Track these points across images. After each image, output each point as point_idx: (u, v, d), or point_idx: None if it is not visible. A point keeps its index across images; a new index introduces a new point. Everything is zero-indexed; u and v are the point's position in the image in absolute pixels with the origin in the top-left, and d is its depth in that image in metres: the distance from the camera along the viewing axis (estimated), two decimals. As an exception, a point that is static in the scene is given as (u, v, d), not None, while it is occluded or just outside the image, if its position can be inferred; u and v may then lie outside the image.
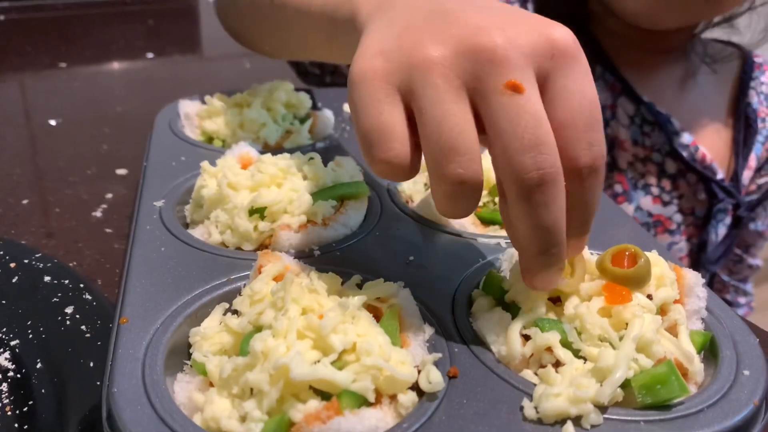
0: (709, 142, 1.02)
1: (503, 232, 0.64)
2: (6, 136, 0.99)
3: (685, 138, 0.98)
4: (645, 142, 0.99)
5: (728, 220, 1.03)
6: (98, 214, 0.78)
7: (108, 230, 0.75)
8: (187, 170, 0.71)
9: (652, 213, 1.02)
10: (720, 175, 1.00)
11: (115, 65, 1.37)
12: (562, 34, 0.40)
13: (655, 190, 0.99)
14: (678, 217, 1.03)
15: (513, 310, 0.50)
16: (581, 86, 0.40)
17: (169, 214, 0.62)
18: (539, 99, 0.39)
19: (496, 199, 0.64)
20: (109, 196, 0.82)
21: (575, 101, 0.39)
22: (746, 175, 1.04)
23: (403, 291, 0.50)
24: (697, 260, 1.05)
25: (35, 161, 0.94)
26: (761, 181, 1.07)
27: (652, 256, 0.51)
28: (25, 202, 0.80)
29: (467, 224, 0.64)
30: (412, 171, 0.41)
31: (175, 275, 0.53)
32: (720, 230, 1.02)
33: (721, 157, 1.04)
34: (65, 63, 1.33)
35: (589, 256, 0.52)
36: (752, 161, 1.04)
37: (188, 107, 0.84)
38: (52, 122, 1.03)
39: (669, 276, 0.50)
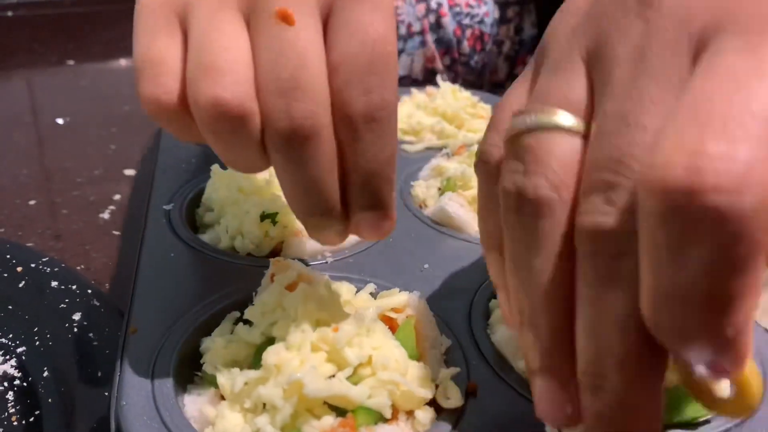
0: None
1: (519, 240, 0.62)
2: (13, 136, 0.98)
3: None
4: None
5: None
6: (106, 215, 0.77)
7: (116, 232, 0.74)
8: (197, 173, 0.69)
9: None
10: None
11: (123, 63, 1.36)
12: None
13: None
14: None
15: (532, 321, 0.48)
16: (366, 21, 0.33)
17: (178, 218, 0.61)
18: (314, 34, 0.33)
19: (513, 206, 0.63)
20: (117, 197, 0.81)
21: (355, 38, 0.33)
22: None
23: (419, 301, 0.49)
24: None
25: (42, 161, 0.93)
26: None
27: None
28: (32, 203, 0.79)
29: (482, 231, 0.62)
30: (188, 118, 0.34)
31: (185, 282, 0.52)
32: None
33: None
34: (73, 60, 1.32)
35: None
36: None
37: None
38: (60, 121, 1.02)
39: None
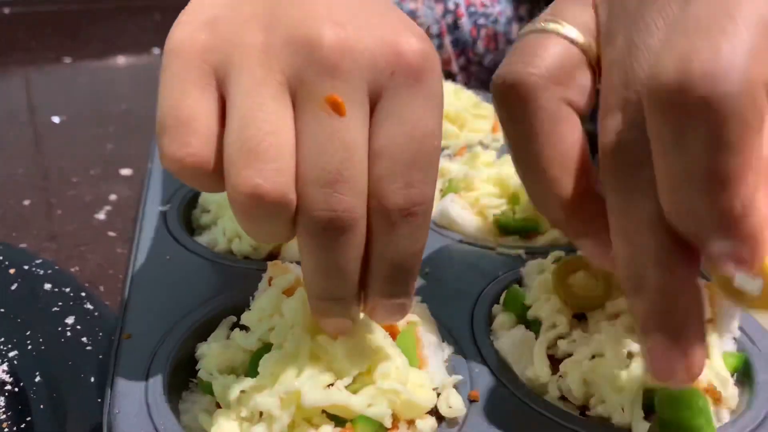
0: None
1: (523, 243, 0.61)
2: (9, 134, 0.97)
3: None
4: None
5: None
6: (101, 216, 0.76)
7: (111, 233, 0.73)
8: (194, 173, 0.68)
9: None
10: None
11: (121, 60, 1.35)
12: (411, 46, 0.32)
13: None
14: None
15: (535, 326, 0.47)
16: (417, 114, 0.32)
17: (174, 219, 0.60)
18: (361, 126, 0.32)
19: (516, 207, 0.62)
20: (113, 197, 0.79)
21: (402, 130, 0.32)
22: None
23: (419, 306, 0.48)
24: None
25: (38, 161, 0.91)
26: None
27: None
28: (26, 203, 0.78)
29: (485, 233, 0.61)
30: (214, 179, 0.32)
31: (180, 286, 0.51)
32: None
33: None
34: (70, 58, 1.31)
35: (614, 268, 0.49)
36: None
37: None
38: (56, 119, 1.01)
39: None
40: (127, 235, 0.71)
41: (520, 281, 0.54)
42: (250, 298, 0.50)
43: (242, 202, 0.31)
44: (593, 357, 0.43)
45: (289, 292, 0.47)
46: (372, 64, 0.32)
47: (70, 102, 1.11)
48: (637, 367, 0.41)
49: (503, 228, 0.62)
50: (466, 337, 0.48)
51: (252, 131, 0.30)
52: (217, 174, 0.32)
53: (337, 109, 0.31)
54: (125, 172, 0.86)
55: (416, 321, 0.46)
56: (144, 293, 0.50)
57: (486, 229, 0.61)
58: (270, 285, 0.47)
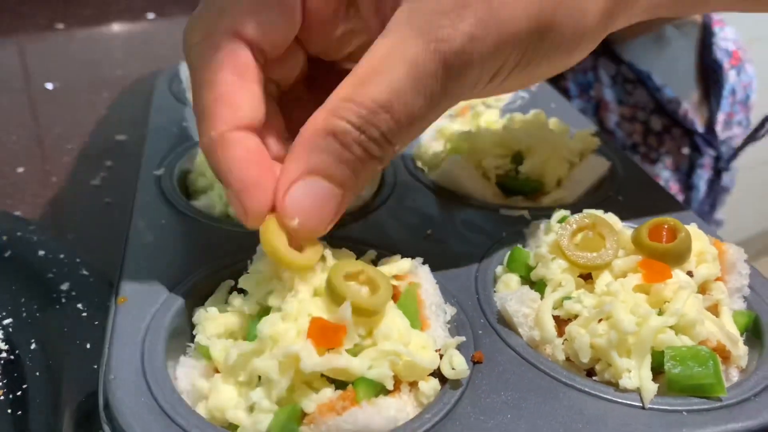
0: (685, 98, 1.05)
1: (527, 203, 0.60)
2: (2, 101, 0.95)
3: (668, 92, 1.00)
4: (629, 101, 1.01)
5: (707, 174, 1.07)
6: (97, 182, 0.74)
7: (107, 199, 0.71)
8: (189, 136, 0.66)
9: None
10: (700, 129, 1.04)
11: (115, 26, 1.31)
12: None
13: (642, 149, 1.02)
14: (666, 174, 1.06)
15: (539, 287, 0.46)
16: None
17: (170, 183, 0.59)
18: None
19: (520, 167, 0.60)
20: (109, 163, 0.78)
21: None
22: (718, 129, 1.08)
23: (421, 268, 0.46)
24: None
25: (32, 127, 0.90)
26: (729, 133, 1.10)
27: (692, 229, 0.47)
28: (20, 170, 0.76)
29: (488, 194, 0.60)
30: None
31: (177, 250, 0.50)
32: (702, 186, 1.06)
33: (696, 111, 1.07)
34: (62, 24, 1.27)
35: (622, 227, 0.48)
36: (722, 115, 1.08)
37: (190, 69, 0.79)
38: (49, 86, 0.99)
39: (710, 251, 0.46)
40: (122, 200, 0.69)
41: (524, 242, 0.52)
42: (248, 261, 0.48)
43: None
44: (600, 321, 0.41)
45: (287, 254, 0.46)
46: None
47: (63, 68, 1.08)
48: (646, 328, 0.40)
49: (507, 188, 0.60)
50: (470, 298, 0.47)
51: None
52: None
53: None
54: (120, 137, 0.85)
55: (418, 282, 0.45)
56: (140, 258, 0.49)
57: (489, 190, 0.60)
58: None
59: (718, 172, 1.09)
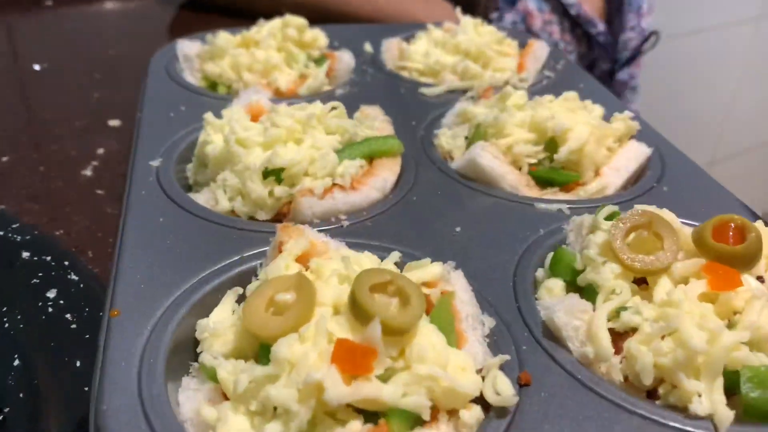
0: (590, 3, 1.29)
1: (564, 195, 0.54)
2: (-14, 84, 0.88)
3: None
4: (546, 9, 1.26)
5: (605, 67, 1.32)
6: (88, 172, 0.69)
7: (99, 191, 0.66)
8: (188, 122, 0.60)
9: None
10: (601, 28, 1.27)
11: (108, 3, 1.25)
12: None
13: (561, 44, 1.26)
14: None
15: (589, 294, 0.41)
16: None
17: (167, 175, 0.53)
18: None
19: (555, 156, 0.54)
20: (101, 151, 0.72)
21: None
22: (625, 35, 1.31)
23: (454, 273, 0.41)
24: None
25: (18, 112, 0.83)
26: (624, 36, 1.31)
27: (761, 227, 0.41)
28: (5, 159, 0.70)
29: (520, 186, 0.54)
30: None
31: (177, 253, 0.44)
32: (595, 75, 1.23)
33: (594, 13, 1.30)
34: (51, 1, 1.21)
35: (680, 226, 0.42)
36: (627, 21, 1.31)
37: (187, 48, 0.73)
38: (36, 67, 0.93)
39: (784, 253, 0.41)
40: (116, 192, 0.64)
41: (565, 241, 0.47)
42: (258, 265, 0.43)
43: None
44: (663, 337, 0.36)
45: (302, 259, 0.40)
46: None
47: (52, 48, 1.02)
48: (718, 345, 0.34)
49: (541, 179, 0.55)
50: (510, 308, 0.41)
51: None
52: None
53: None
54: (113, 123, 0.79)
55: (452, 291, 0.39)
56: (135, 262, 0.43)
57: (521, 181, 0.54)
58: (280, 251, 0.41)
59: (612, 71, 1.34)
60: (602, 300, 0.40)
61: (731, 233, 0.40)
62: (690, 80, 1.77)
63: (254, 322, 0.34)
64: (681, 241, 0.41)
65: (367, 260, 0.40)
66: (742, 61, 1.94)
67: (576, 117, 0.56)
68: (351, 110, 0.58)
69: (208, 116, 0.54)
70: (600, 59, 1.33)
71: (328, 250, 0.42)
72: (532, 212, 0.50)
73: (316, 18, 0.78)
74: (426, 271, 0.40)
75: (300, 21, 0.73)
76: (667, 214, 0.43)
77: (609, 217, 0.44)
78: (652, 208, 0.43)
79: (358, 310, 0.34)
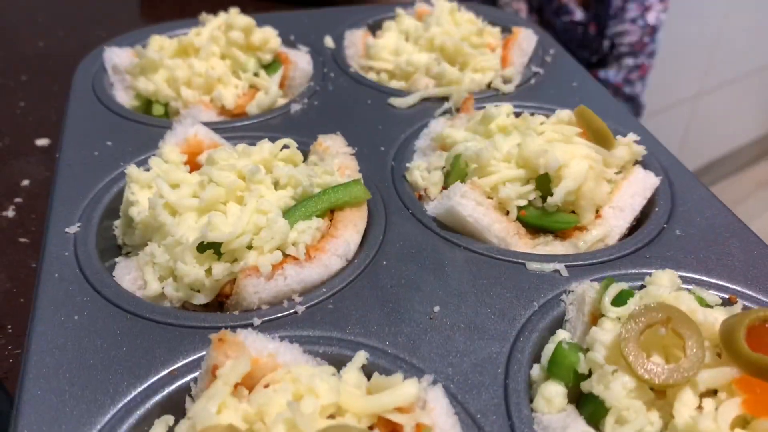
0: None
1: (558, 247, 0.46)
2: None
3: None
4: None
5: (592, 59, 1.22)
6: (9, 213, 0.59)
7: (23, 239, 0.57)
8: (115, 164, 0.51)
9: None
10: (578, 17, 1.17)
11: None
12: None
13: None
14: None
15: (595, 406, 0.34)
16: None
17: (87, 247, 0.44)
18: None
19: (549, 198, 0.46)
20: (25, 183, 0.63)
21: None
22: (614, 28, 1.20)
23: (433, 391, 0.34)
24: None
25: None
26: (628, 27, 1.19)
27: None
28: None
29: (508, 235, 0.46)
30: None
31: (94, 368, 0.36)
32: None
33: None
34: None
35: (705, 317, 0.35)
36: (627, 11, 1.19)
37: (117, 57, 0.62)
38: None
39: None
40: (40, 241, 0.55)
41: (562, 317, 0.39)
42: (191, 383, 0.36)
43: None
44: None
45: (245, 383, 0.33)
46: None
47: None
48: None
49: (532, 225, 0.47)
50: (501, 424, 0.34)
51: None
52: None
53: None
54: (41, 142, 0.68)
55: (429, 426, 0.32)
56: (43, 379, 0.35)
57: (510, 230, 0.46)
58: (214, 376, 0.33)
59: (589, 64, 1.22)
60: (612, 422, 0.32)
61: (769, 335, 0.33)
62: (678, 10, 1.66)
63: None
64: (706, 334, 0.34)
65: (324, 385, 0.32)
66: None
67: (572, 149, 0.47)
68: (308, 131, 0.50)
69: (131, 171, 0.45)
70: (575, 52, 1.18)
71: (276, 366, 0.34)
72: (524, 276, 0.42)
73: None
74: (398, 393, 0.32)
75: (246, 21, 0.61)
76: (687, 301, 0.35)
77: (617, 298, 0.37)
78: (672, 297, 0.35)
79: None
